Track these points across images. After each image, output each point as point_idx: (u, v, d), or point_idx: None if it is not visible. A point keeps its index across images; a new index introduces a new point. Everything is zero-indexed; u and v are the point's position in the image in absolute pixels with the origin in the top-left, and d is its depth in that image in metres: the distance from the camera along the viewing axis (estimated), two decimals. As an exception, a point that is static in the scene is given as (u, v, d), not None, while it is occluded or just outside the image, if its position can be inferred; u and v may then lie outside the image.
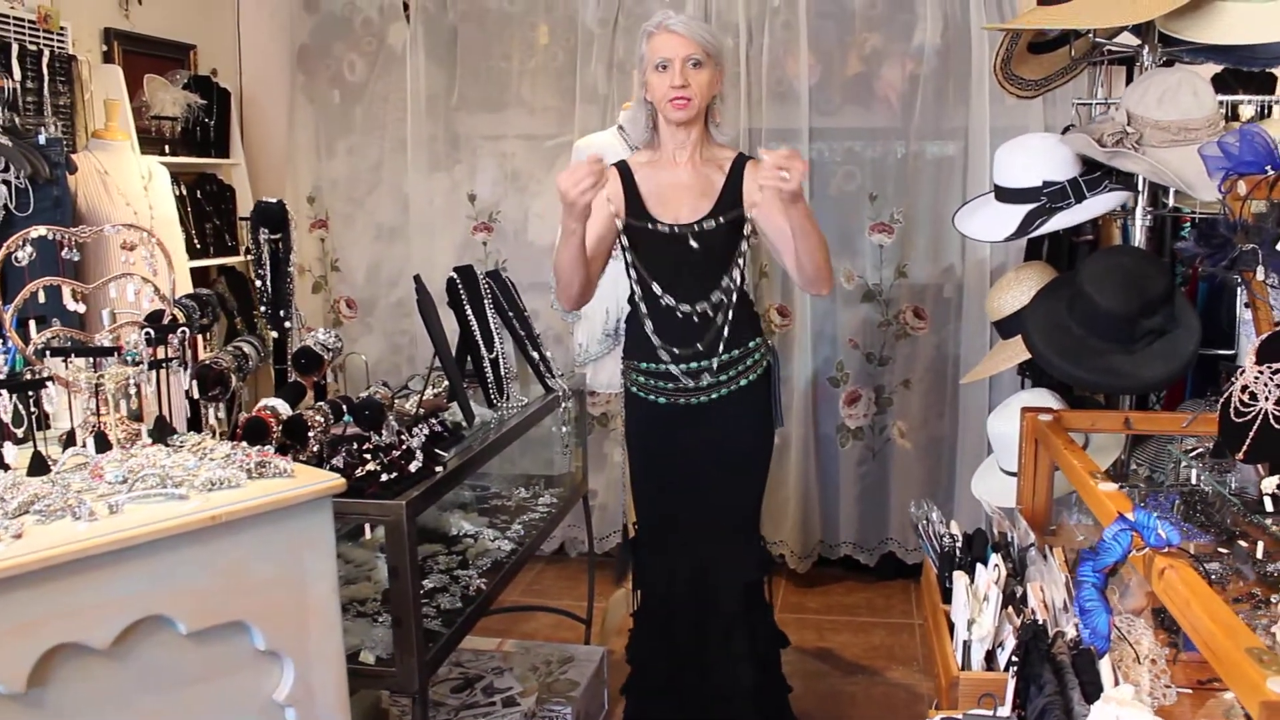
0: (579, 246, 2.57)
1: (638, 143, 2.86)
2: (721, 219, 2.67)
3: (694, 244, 2.67)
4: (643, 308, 2.78)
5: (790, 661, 3.11)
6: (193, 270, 4.23)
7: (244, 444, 1.95)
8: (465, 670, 3.13)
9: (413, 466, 2.29)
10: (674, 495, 2.84)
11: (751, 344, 2.78)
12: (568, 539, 4.73)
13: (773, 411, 2.86)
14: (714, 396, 2.76)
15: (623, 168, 2.75)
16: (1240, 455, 1.80)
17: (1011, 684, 1.67)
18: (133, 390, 2.03)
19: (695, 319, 2.71)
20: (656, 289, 2.71)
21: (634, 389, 2.84)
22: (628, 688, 3.01)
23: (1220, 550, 2.05)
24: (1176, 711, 1.74)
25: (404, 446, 2.32)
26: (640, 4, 4.37)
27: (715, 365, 2.73)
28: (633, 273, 2.78)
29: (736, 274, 2.80)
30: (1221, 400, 1.84)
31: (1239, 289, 2.63)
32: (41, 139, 3.42)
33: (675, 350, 2.73)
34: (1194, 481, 2.27)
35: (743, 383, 2.77)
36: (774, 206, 2.57)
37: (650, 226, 2.69)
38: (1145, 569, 1.51)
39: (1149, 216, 2.78)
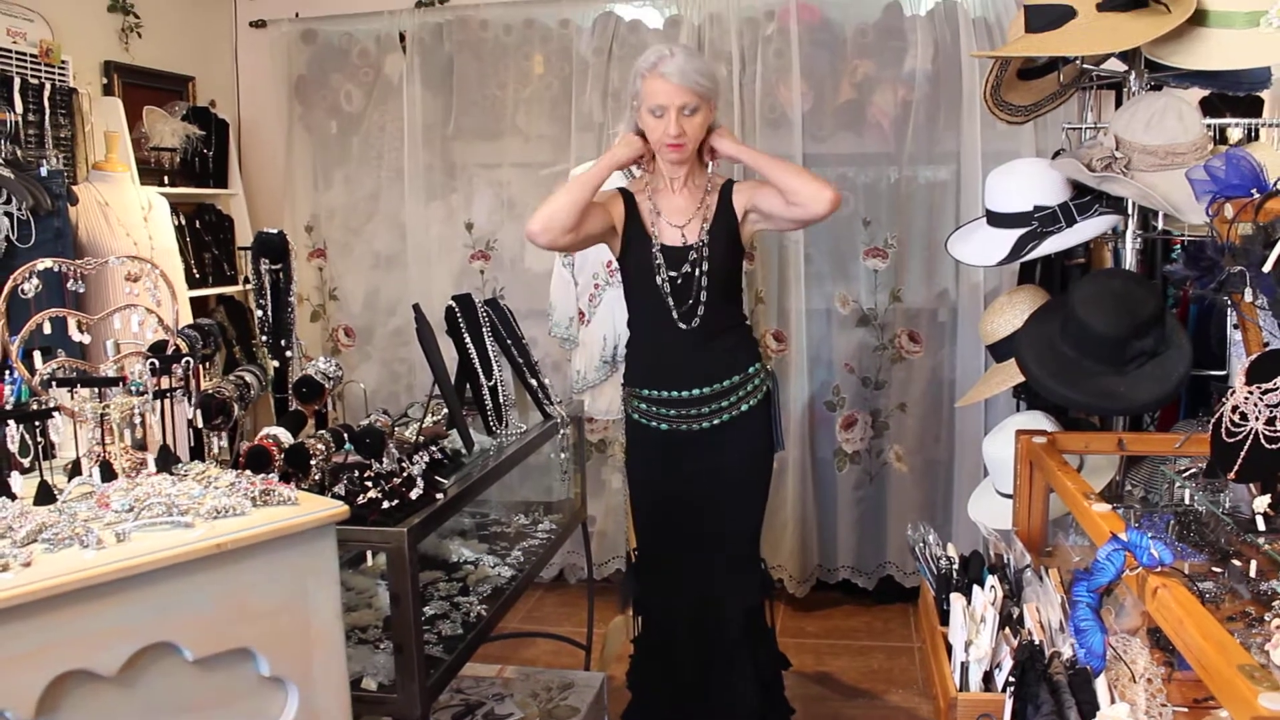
0: (602, 178, 2.67)
1: (634, 172, 2.91)
2: (718, 236, 2.72)
3: (692, 265, 2.70)
4: (643, 333, 2.81)
5: (790, 686, 3.12)
6: (192, 300, 4.26)
7: (248, 472, 1.96)
8: (466, 697, 3.13)
9: (413, 494, 2.30)
10: (675, 521, 2.86)
11: (751, 369, 2.80)
12: (567, 565, 4.73)
13: (773, 436, 2.88)
14: (715, 422, 2.78)
15: (625, 193, 2.80)
16: (1232, 475, 1.82)
17: (1009, 704, 1.69)
18: (137, 420, 2.05)
19: (695, 343, 2.74)
20: (656, 313, 2.74)
21: (635, 415, 2.86)
22: (628, 714, 3.01)
23: (1214, 569, 2.07)
24: (1173, 729, 1.75)
25: (405, 474, 2.33)
26: (634, 33, 4.42)
27: (716, 390, 2.76)
28: (632, 296, 2.81)
29: (735, 298, 2.83)
30: (1213, 421, 1.86)
31: (1229, 310, 2.66)
32: (43, 171, 3.46)
33: (675, 375, 2.76)
34: (1188, 502, 2.29)
35: (743, 408, 2.79)
36: (749, 189, 2.75)
37: (650, 248, 2.73)
38: (1139, 588, 1.53)
39: (1139, 239, 2.81)
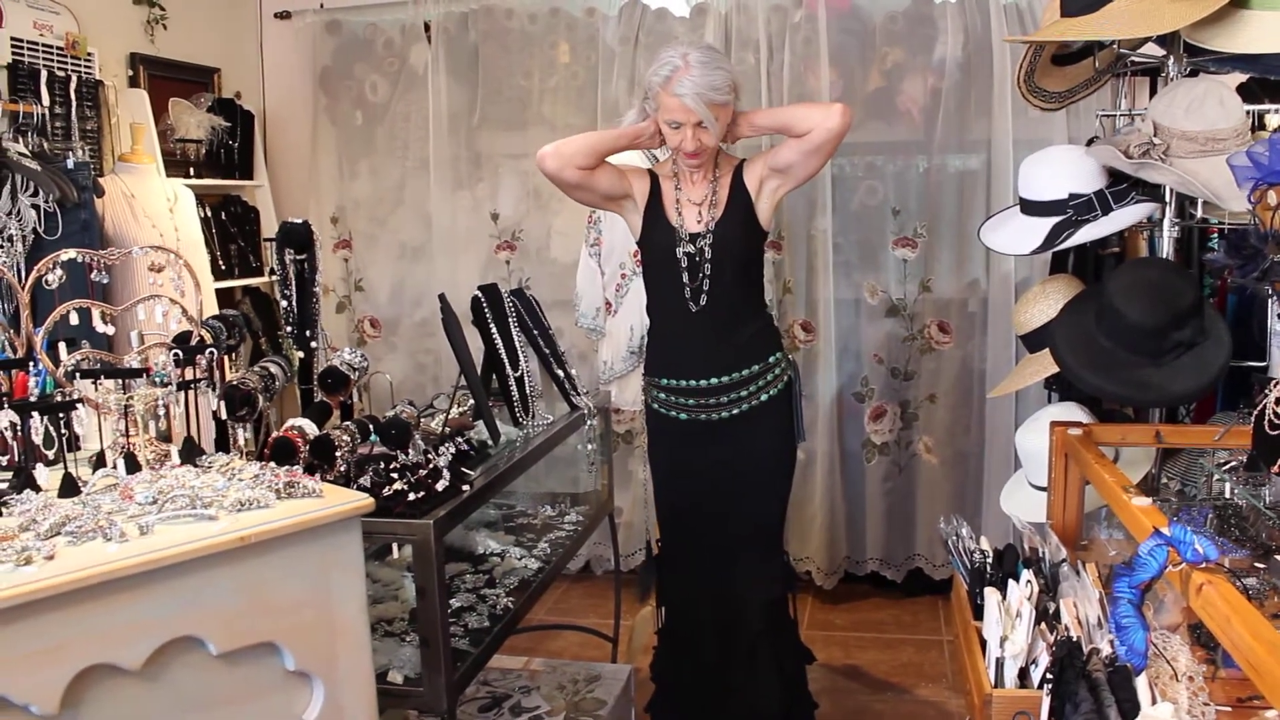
0: (622, 142, 2.71)
1: (659, 156, 2.89)
2: (731, 218, 2.70)
3: (706, 247, 2.67)
4: (660, 318, 2.79)
5: (817, 679, 3.09)
6: (217, 291, 4.26)
7: (272, 464, 1.95)
8: (493, 689, 3.12)
9: (439, 485, 2.28)
10: (696, 511, 2.84)
11: (771, 358, 2.77)
12: (593, 557, 4.72)
13: (794, 426, 2.85)
14: (735, 412, 2.75)
15: (651, 174, 2.79)
16: (1275, 468, 1.77)
17: (1046, 702, 1.66)
18: (161, 411, 2.04)
19: (712, 330, 2.71)
20: (672, 296, 2.72)
21: (655, 405, 2.84)
22: (652, 705, 3.00)
23: (1256, 565, 2.02)
24: (1215, 729, 1.71)
25: (430, 465, 2.32)
26: (661, 22, 4.38)
27: (734, 380, 2.73)
28: (649, 279, 2.79)
29: (754, 284, 2.80)
30: (1255, 413, 1.82)
31: (1270, 300, 2.61)
32: (69, 163, 3.47)
33: (694, 364, 2.73)
34: (1227, 495, 2.24)
35: (763, 398, 2.76)
36: (759, 158, 2.74)
37: (668, 230, 2.72)
38: (1182, 585, 1.49)
39: (1176, 228, 2.76)
